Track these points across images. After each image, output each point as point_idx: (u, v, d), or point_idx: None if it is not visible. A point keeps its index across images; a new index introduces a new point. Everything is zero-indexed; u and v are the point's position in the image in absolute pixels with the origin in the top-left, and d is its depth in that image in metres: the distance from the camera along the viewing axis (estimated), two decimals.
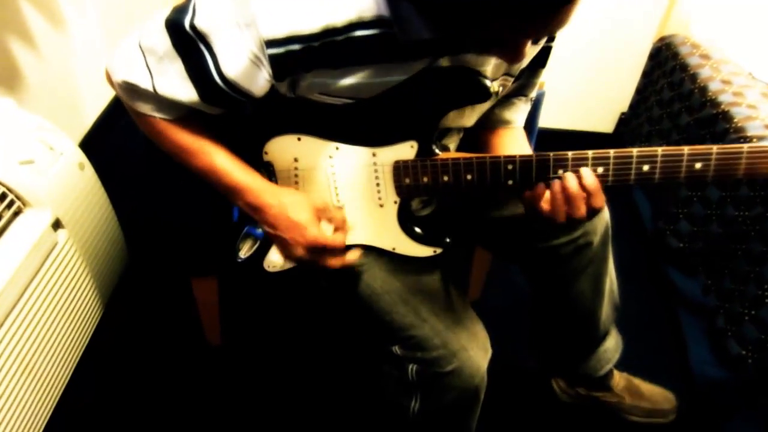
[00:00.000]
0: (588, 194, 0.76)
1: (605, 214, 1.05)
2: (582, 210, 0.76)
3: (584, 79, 2.07)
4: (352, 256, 0.83)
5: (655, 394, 1.31)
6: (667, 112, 1.73)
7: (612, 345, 1.22)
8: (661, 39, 1.86)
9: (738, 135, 1.34)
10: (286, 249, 0.81)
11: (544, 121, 2.10)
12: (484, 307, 1.51)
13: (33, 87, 1.70)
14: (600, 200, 0.76)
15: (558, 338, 1.23)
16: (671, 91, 1.72)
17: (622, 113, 2.16)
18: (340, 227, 0.82)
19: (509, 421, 1.32)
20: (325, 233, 0.79)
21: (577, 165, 0.77)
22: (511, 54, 0.65)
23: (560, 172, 0.78)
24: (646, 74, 1.96)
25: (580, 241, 1.02)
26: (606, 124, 2.21)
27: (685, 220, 1.53)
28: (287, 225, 0.78)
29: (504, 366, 1.39)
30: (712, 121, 1.46)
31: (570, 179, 0.76)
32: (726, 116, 1.41)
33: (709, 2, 1.81)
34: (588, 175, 0.76)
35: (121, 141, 2.09)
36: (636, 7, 1.89)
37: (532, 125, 1.23)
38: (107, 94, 2.18)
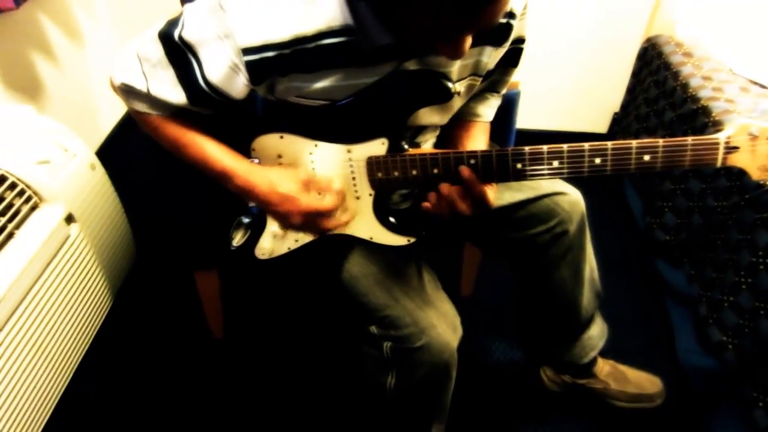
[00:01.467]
0: (469, 185, 0.84)
1: (580, 204, 1.10)
2: (463, 206, 0.86)
3: (577, 81, 2.11)
4: (345, 217, 0.90)
5: (640, 378, 1.33)
6: (654, 110, 1.76)
7: (596, 332, 1.25)
8: (648, 39, 1.90)
9: (716, 128, 1.38)
10: (284, 221, 0.89)
11: (540, 123, 2.16)
12: (477, 302, 1.56)
13: (52, 100, 1.81)
14: (478, 191, 0.85)
15: (542, 327, 1.26)
16: (657, 89, 1.76)
17: (615, 113, 2.19)
18: (328, 192, 0.89)
19: (499, 410, 1.36)
20: (314, 199, 0.87)
21: (534, 159, 0.83)
22: (452, 50, 0.71)
23: (518, 165, 0.84)
24: (635, 74, 2.00)
25: (557, 230, 1.07)
26: (600, 125, 2.24)
27: (670, 213, 1.56)
28: (279, 199, 0.86)
29: (495, 357, 1.46)
30: (693, 115, 1.50)
31: (443, 186, 0.85)
32: (705, 110, 1.45)
33: (693, 3, 1.85)
34: (464, 169, 0.84)
35: (135, 150, 2.19)
36: (624, 9, 1.93)
37: (509, 125, 1.28)
38: (122, 108, 2.27)
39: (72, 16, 1.92)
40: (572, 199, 1.09)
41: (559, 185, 1.09)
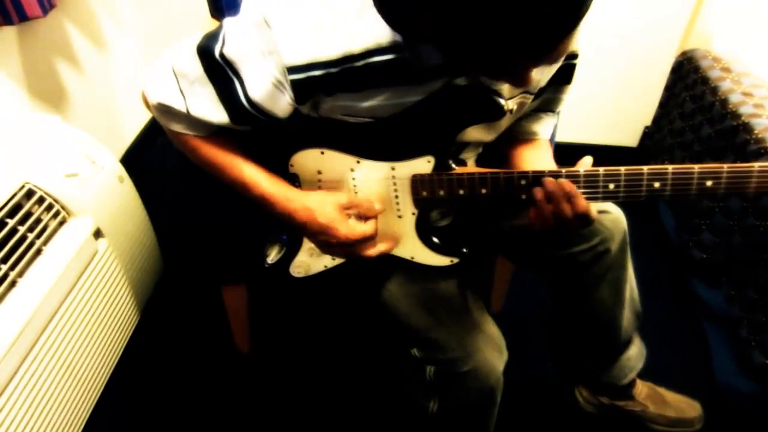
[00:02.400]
0: (568, 196, 0.79)
1: (622, 222, 1.07)
2: (567, 210, 0.79)
3: (608, 94, 2.08)
4: (384, 246, 0.88)
5: (680, 402, 1.30)
6: (689, 125, 1.73)
7: (635, 353, 1.23)
8: (683, 53, 1.87)
9: (758, 146, 1.35)
10: (323, 248, 0.88)
11: (570, 135, 2.14)
12: (507, 317, 1.53)
13: (78, 107, 1.81)
14: (582, 203, 0.79)
15: (580, 346, 1.23)
16: (693, 104, 1.73)
17: (646, 127, 2.16)
18: (368, 217, 0.87)
19: (532, 430, 1.33)
20: (354, 228, 0.84)
21: (588, 181, 0.80)
22: (516, 82, 0.68)
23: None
24: (669, 88, 1.97)
25: (599, 248, 1.04)
26: (630, 138, 2.21)
27: (707, 232, 1.53)
28: (318, 229, 0.84)
29: (528, 376, 1.42)
30: (733, 132, 1.47)
31: (548, 182, 0.80)
32: (746, 127, 1.42)
33: (731, 16, 1.81)
34: (564, 181, 0.79)
35: (158, 158, 2.19)
36: (658, 22, 1.90)
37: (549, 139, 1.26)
38: (146, 114, 2.28)
39: (98, 24, 1.92)
40: (614, 217, 1.07)
41: (600, 203, 1.06)
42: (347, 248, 0.85)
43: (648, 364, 1.26)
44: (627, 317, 1.15)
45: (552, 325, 1.25)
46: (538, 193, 0.81)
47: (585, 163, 0.82)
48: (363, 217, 0.87)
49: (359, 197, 0.89)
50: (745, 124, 1.43)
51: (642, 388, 1.29)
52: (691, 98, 1.74)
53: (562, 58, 0.87)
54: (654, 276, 1.71)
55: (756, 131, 1.39)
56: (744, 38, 1.80)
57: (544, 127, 1.04)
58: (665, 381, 1.33)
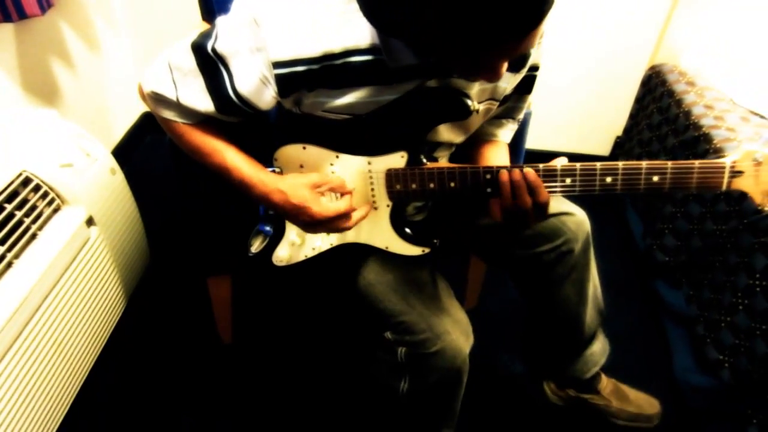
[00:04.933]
0: (530, 187, 0.85)
1: (585, 224, 1.13)
2: (527, 200, 0.85)
3: (582, 105, 2.16)
4: (360, 213, 0.92)
5: (640, 399, 1.36)
6: (656, 135, 1.81)
7: (598, 348, 1.28)
8: (652, 67, 1.96)
9: (717, 155, 1.43)
10: (303, 228, 0.92)
11: (545, 143, 2.21)
12: (481, 314, 1.58)
13: (71, 102, 1.86)
14: (544, 194, 0.85)
15: (546, 342, 1.29)
16: (660, 116, 1.81)
17: (618, 137, 2.24)
18: (341, 192, 0.91)
19: (502, 422, 1.38)
20: (327, 206, 0.88)
21: (547, 176, 0.86)
22: (490, 74, 0.74)
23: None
24: (639, 100, 2.05)
25: (562, 248, 1.10)
26: (603, 148, 2.30)
27: (670, 235, 1.60)
28: (293, 210, 0.88)
29: (499, 369, 1.48)
30: (695, 142, 1.54)
31: (514, 171, 0.85)
32: (707, 138, 1.49)
33: (698, 33, 1.91)
34: (530, 171, 0.85)
35: (147, 154, 2.22)
36: (630, 38, 1.99)
37: (519, 144, 1.31)
38: (136, 112, 2.33)
39: (92, 24, 1.97)
40: (578, 219, 1.12)
41: (565, 205, 1.12)
42: (324, 224, 0.89)
43: (612, 362, 1.31)
44: (590, 314, 1.21)
45: (527, 322, 1.30)
46: (503, 176, 0.86)
47: (560, 162, 0.87)
48: (338, 193, 0.93)
49: (331, 176, 0.94)
50: (706, 134, 1.51)
51: (607, 384, 1.35)
52: (659, 110, 1.82)
53: (533, 53, 0.93)
54: (622, 279, 1.78)
55: (715, 141, 1.46)
56: (710, 54, 1.88)
57: (504, 132, 1.11)
58: (628, 377, 1.39)
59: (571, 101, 2.13)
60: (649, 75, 1.97)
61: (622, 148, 2.17)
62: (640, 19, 1.95)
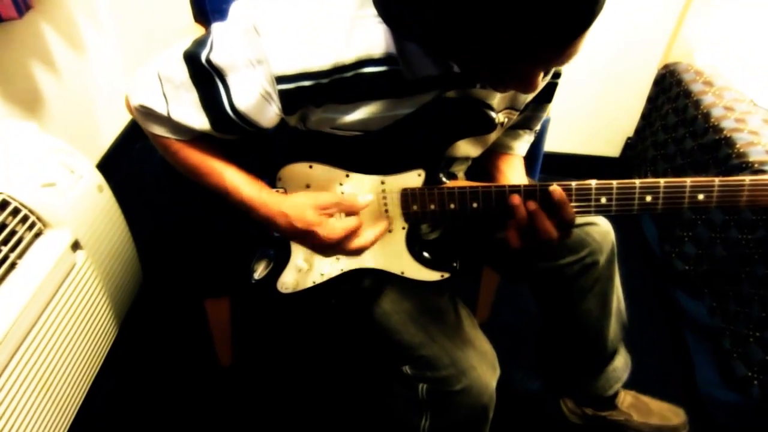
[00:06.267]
0: (558, 207, 0.78)
1: (610, 235, 1.08)
2: (553, 223, 0.79)
3: (591, 105, 2.10)
4: (376, 230, 0.84)
5: (663, 409, 1.31)
6: (672, 137, 1.75)
7: (621, 364, 1.23)
8: (666, 66, 1.89)
9: (740, 160, 1.37)
10: (314, 251, 0.84)
11: (553, 145, 2.16)
12: (493, 327, 1.52)
13: (54, 111, 1.76)
14: (569, 214, 0.79)
15: (566, 358, 1.24)
16: (676, 117, 1.75)
17: (628, 138, 2.18)
18: (350, 213, 0.83)
19: None
20: (333, 228, 0.80)
21: (580, 195, 0.79)
22: (525, 85, 0.66)
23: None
24: (651, 100, 1.99)
25: (586, 261, 1.04)
26: (612, 149, 2.23)
27: (690, 243, 1.54)
28: (298, 234, 0.81)
29: (513, 386, 1.42)
30: (716, 146, 1.49)
31: (530, 203, 0.79)
32: (728, 142, 1.44)
33: (713, 31, 1.84)
34: (556, 189, 0.78)
35: (136, 164, 2.14)
36: (641, 35, 1.92)
37: (537, 150, 1.26)
38: (124, 119, 2.24)
39: (75, 26, 1.88)
40: (603, 229, 1.07)
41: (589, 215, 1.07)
42: (333, 249, 0.81)
43: (631, 374, 1.26)
44: (613, 329, 1.16)
45: (540, 336, 1.25)
46: (515, 200, 0.79)
47: (593, 182, 0.80)
48: (348, 214, 0.84)
49: (340, 195, 0.86)
50: (727, 138, 1.45)
51: (625, 397, 1.30)
52: (674, 111, 1.76)
53: (571, 61, 0.86)
54: (636, 285, 1.72)
55: (738, 145, 1.40)
56: (724, 53, 1.82)
57: (520, 144, 1.04)
58: (648, 391, 1.34)
59: (580, 100, 2.07)
60: (663, 74, 1.90)
61: (633, 149, 2.10)
62: (653, 14, 1.88)
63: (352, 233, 0.81)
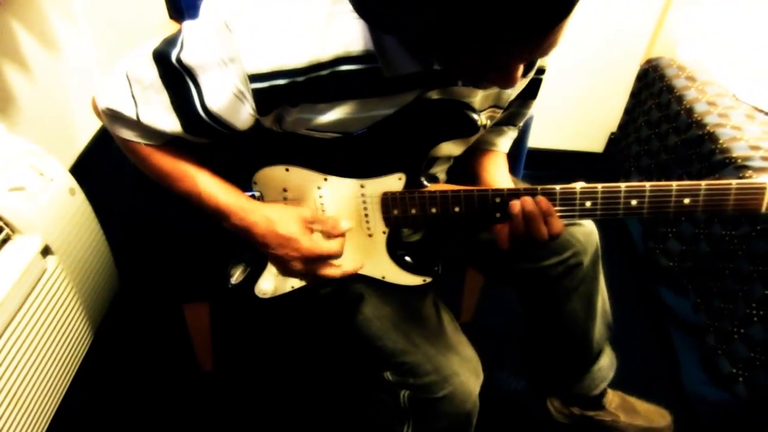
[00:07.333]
0: (545, 215, 0.78)
1: (594, 235, 1.07)
2: (542, 230, 0.78)
3: (574, 100, 2.09)
4: (351, 265, 0.82)
5: (650, 411, 1.31)
6: (656, 133, 1.75)
7: (606, 363, 1.22)
8: (648, 61, 1.89)
9: (724, 156, 1.36)
10: (282, 266, 0.81)
11: (536, 141, 2.14)
12: (477, 328, 1.51)
13: (24, 112, 1.70)
14: (557, 225, 0.78)
15: (552, 358, 1.23)
16: (659, 112, 1.75)
17: (612, 133, 2.18)
18: (333, 235, 0.81)
19: None
20: (317, 242, 0.78)
21: (564, 199, 0.78)
22: (505, 79, 0.64)
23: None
24: (634, 95, 1.98)
25: (571, 262, 1.03)
26: (596, 144, 2.23)
27: (674, 239, 1.54)
28: (278, 241, 0.78)
29: (498, 387, 1.41)
30: (699, 141, 1.48)
31: (526, 201, 0.78)
32: (712, 137, 1.43)
33: (695, 25, 1.84)
34: (542, 199, 0.78)
35: (112, 166, 2.08)
36: (624, 29, 1.91)
37: (521, 147, 1.24)
38: (98, 120, 2.18)
39: (48, 24, 1.82)
40: (587, 230, 1.06)
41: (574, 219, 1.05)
42: (308, 265, 0.79)
43: (616, 372, 1.25)
44: (599, 329, 1.15)
45: (525, 337, 1.24)
46: (515, 208, 0.78)
47: (579, 185, 0.79)
48: (328, 236, 0.82)
49: (324, 214, 0.84)
50: (711, 133, 1.44)
51: (613, 398, 1.29)
52: (657, 106, 1.76)
53: (551, 52, 0.85)
54: (620, 283, 1.71)
55: (721, 141, 1.40)
56: (706, 48, 1.82)
57: (504, 140, 1.03)
58: (633, 388, 1.33)
59: (563, 96, 2.06)
60: (646, 69, 1.90)
61: (617, 145, 2.10)
62: (636, 9, 1.87)
63: (331, 257, 0.79)
